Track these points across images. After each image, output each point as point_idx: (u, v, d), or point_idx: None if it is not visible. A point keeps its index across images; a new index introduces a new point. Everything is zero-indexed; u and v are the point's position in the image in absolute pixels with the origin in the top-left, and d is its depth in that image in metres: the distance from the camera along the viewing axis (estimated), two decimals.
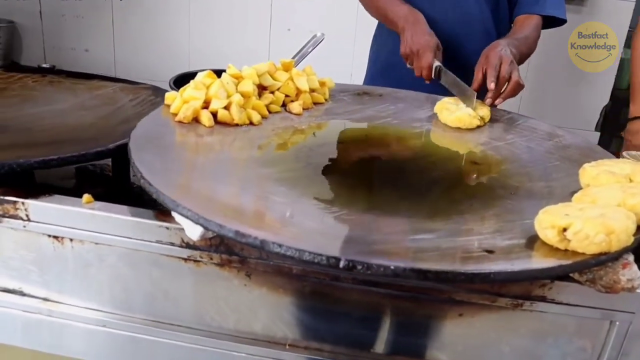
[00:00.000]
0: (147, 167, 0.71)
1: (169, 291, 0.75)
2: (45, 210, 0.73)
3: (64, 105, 1.09)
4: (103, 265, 0.75)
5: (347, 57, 1.94)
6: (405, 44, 1.22)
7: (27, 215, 0.73)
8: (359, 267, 0.55)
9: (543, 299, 0.68)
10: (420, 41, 1.19)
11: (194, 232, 0.66)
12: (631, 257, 0.65)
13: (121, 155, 0.82)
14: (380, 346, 0.74)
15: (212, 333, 0.76)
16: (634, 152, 1.14)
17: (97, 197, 0.76)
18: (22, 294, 0.79)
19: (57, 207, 0.73)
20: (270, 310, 0.74)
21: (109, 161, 0.99)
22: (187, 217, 0.62)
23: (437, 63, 1.17)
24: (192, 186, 0.71)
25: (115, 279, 0.76)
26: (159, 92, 1.16)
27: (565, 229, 0.62)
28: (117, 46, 2.17)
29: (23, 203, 0.73)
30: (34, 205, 0.73)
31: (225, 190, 0.72)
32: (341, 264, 0.55)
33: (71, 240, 0.74)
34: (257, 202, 0.70)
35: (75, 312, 0.78)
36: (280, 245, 0.56)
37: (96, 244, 0.74)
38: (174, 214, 0.69)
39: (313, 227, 0.65)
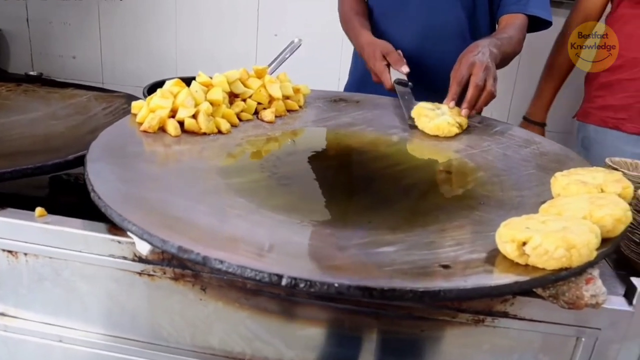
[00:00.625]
0: (100, 179, 0.69)
1: (125, 305, 0.73)
2: None
3: (35, 115, 1.08)
4: (58, 280, 0.73)
5: (335, 62, 1.92)
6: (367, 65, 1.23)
7: None
8: (302, 284, 0.52)
9: (505, 314, 0.66)
10: (370, 55, 1.20)
11: (143, 246, 0.64)
12: (596, 272, 0.63)
13: None
14: None
15: (169, 348, 0.74)
16: (616, 159, 1.12)
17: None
18: None
19: (9, 221, 0.71)
20: (227, 324, 0.72)
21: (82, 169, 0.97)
22: (132, 232, 0.60)
23: (397, 76, 1.16)
24: (146, 199, 0.69)
25: (70, 294, 0.74)
26: (133, 101, 1.15)
27: (525, 243, 0.60)
28: (104, 53, 2.16)
29: None
30: None
31: (181, 202, 0.70)
32: (283, 282, 0.53)
33: (25, 254, 0.73)
34: (211, 216, 0.68)
35: (32, 327, 0.76)
36: (222, 262, 0.54)
37: (50, 258, 0.72)
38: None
39: (264, 241, 0.63)
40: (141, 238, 0.59)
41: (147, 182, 0.75)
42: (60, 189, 1.00)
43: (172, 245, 0.57)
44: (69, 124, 1.03)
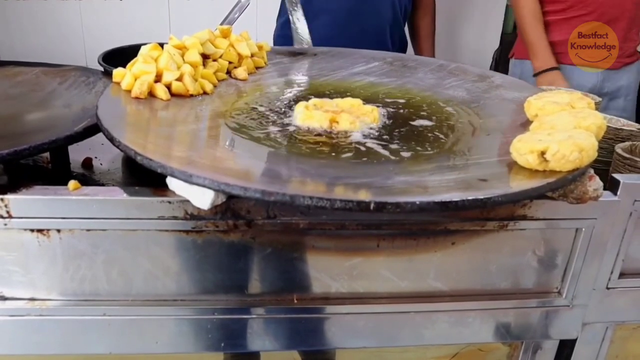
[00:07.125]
0: (139, 145, 0.68)
1: (169, 267, 0.74)
2: (29, 204, 0.68)
3: None
4: (97, 253, 0.72)
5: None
6: None
7: (7, 212, 0.68)
8: (389, 207, 0.58)
9: (524, 217, 0.76)
10: None
11: (204, 200, 0.66)
12: (592, 171, 0.75)
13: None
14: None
15: (217, 301, 0.76)
16: (545, 87, 1.28)
17: None
18: (3, 298, 0.74)
19: (41, 199, 0.68)
20: (276, 268, 0.76)
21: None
22: (204, 186, 0.61)
23: None
24: (191, 156, 0.70)
25: (110, 265, 0.73)
26: (90, 72, 1.10)
27: (543, 153, 0.70)
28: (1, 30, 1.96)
29: (2, 199, 0.68)
30: (15, 200, 0.68)
31: (223, 153, 0.73)
32: (372, 207, 0.58)
33: (59, 231, 0.70)
34: (255, 159, 0.72)
35: (69, 306, 0.74)
36: (311, 198, 0.58)
37: (88, 230, 0.71)
38: (173, 187, 0.68)
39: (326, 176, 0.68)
40: (217, 190, 0.61)
41: (179, 142, 0.76)
42: (20, 175, 0.95)
43: (256, 190, 0.59)
44: (31, 103, 0.97)
